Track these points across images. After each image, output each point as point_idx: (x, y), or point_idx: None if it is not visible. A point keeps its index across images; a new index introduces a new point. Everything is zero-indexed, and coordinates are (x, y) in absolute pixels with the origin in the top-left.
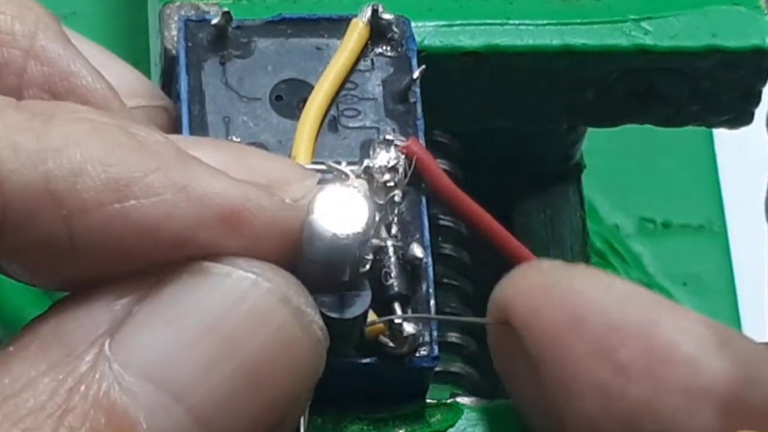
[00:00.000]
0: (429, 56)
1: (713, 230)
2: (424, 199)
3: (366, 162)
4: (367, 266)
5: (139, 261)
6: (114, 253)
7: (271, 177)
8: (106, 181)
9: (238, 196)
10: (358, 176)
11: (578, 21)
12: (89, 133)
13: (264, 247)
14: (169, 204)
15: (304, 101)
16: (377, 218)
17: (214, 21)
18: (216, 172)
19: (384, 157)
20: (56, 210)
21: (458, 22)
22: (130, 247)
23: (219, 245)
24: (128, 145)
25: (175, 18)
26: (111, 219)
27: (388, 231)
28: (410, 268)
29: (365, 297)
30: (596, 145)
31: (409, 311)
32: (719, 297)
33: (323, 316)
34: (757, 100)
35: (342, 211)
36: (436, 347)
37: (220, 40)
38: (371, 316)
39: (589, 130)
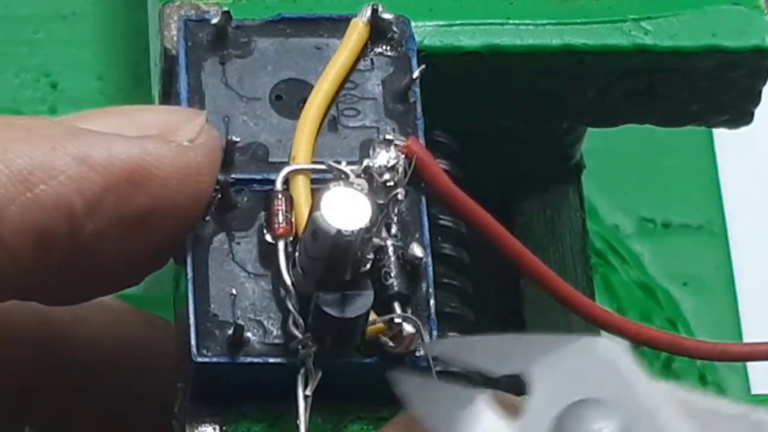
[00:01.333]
0: (429, 56)
1: (713, 230)
2: (424, 199)
3: (366, 162)
4: (368, 266)
5: (63, 243)
6: (39, 242)
7: (161, 126)
8: (10, 176)
9: (137, 152)
10: (357, 176)
11: (578, 21)
12: None
13: (179, 195)
14: (75, 179)
15: (304, 101)
16: (379, 217)
17: (214, 21)
18: (110, 136)
19: (384, 157)
20: None
21: (458, 21)
22: (51, 231)
23: (131, 202)
24: (19, 138)
25: (175, 18)
26: (26, 209)
27: (388, 231)
28: (410, 267)
29: (367, 296)
30: (596, 145)
31: (409, 311)
32: (719, 297)
33: (325, 314)
34: (757, 100)
35: (346, 209)
36: None
37: (219, 39)
38: (371, 317)
39: (589, 130)
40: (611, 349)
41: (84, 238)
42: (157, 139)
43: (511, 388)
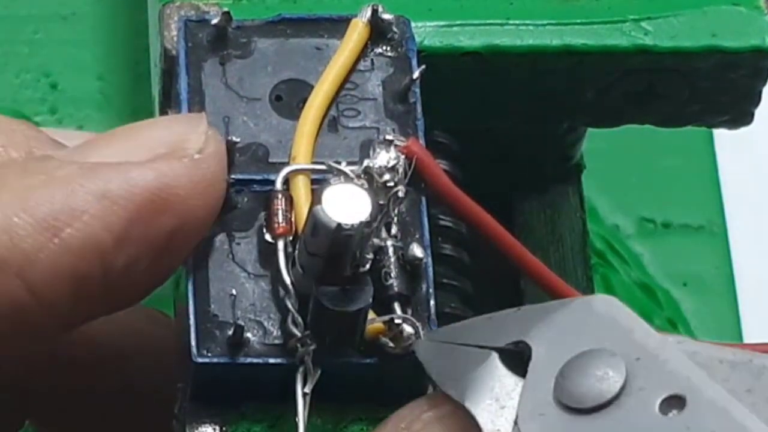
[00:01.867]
0: (429, 56)
1: (713, 230)
2: (423, 199)
3: (366, 162)
4: (367, 266)
5: (97, 281)
6: (74, 287)
7: (169, 143)
8: (35, 224)
9: (153, 177)
10: (357, 176)
11: (578, 21)
12: None
13: (199, 209)
14: (99, 216)
15: (304, 101)
16: (379, 216)
17: (214, 21)
18: (125, 166)
19: (384, 157)
20: (6, 272)
21: (458, 22)
22: (84, 272)
23: (157, 227)
24: (38, 183)
25: (175, 18)
26: (56, 256)
27: (388, 231)
28: (410, 268)
29: (366, 292)
30: (596, 145)
31: (409, 311)
32: (719, 297)
33: (325, 308)
34: (757, 100)
35: (346, 204)
36: None
37: (219, 40)
38: (371, 316)
39: (589, 130)
40: (607, 303)
41: (116, 273)
42: (169, 158)
43: (516, 352)
